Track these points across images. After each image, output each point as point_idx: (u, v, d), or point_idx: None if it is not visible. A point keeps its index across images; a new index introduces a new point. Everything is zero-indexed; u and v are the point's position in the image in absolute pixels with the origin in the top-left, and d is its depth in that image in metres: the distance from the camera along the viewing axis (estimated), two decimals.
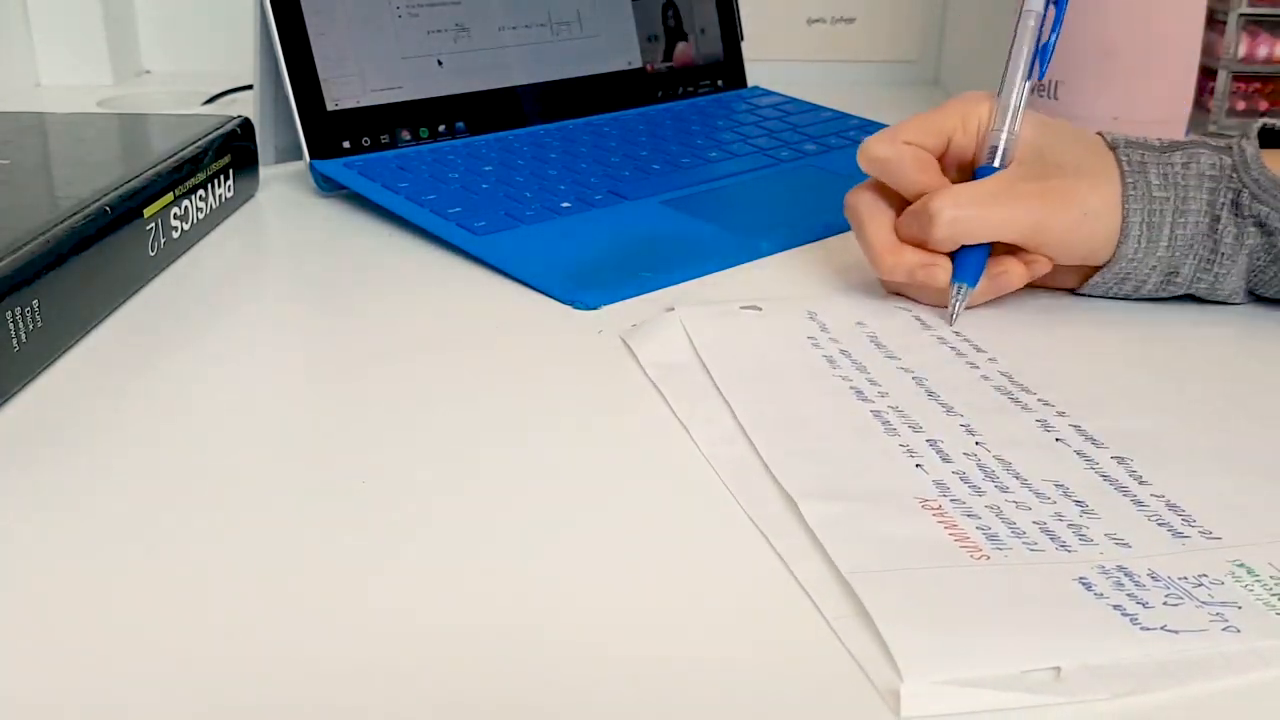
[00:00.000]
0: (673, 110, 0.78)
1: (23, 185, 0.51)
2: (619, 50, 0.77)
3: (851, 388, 0.41)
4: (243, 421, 0.40)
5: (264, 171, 0.66)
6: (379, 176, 0.62)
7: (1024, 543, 0.32)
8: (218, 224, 0.60)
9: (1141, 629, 0.28)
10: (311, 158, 0.63)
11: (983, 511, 0.34)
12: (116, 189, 0.50)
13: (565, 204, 0.60)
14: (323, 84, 0.64)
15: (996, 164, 0.47)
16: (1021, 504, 0.34)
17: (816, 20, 0.95)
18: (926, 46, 0.95)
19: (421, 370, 0.44)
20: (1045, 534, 0.32)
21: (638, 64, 0.78)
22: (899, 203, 0.49)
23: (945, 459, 0.37)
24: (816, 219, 0.59)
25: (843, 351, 0.44)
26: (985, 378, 0.42)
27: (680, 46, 0.80)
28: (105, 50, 0.93)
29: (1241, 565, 0.31)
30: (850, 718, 0.26)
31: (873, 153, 0.47)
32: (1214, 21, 0.72)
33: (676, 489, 0.36)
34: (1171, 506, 0.34)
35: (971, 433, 0.38)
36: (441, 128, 0.69)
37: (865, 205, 0.49)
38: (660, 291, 0.51)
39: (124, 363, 0.44)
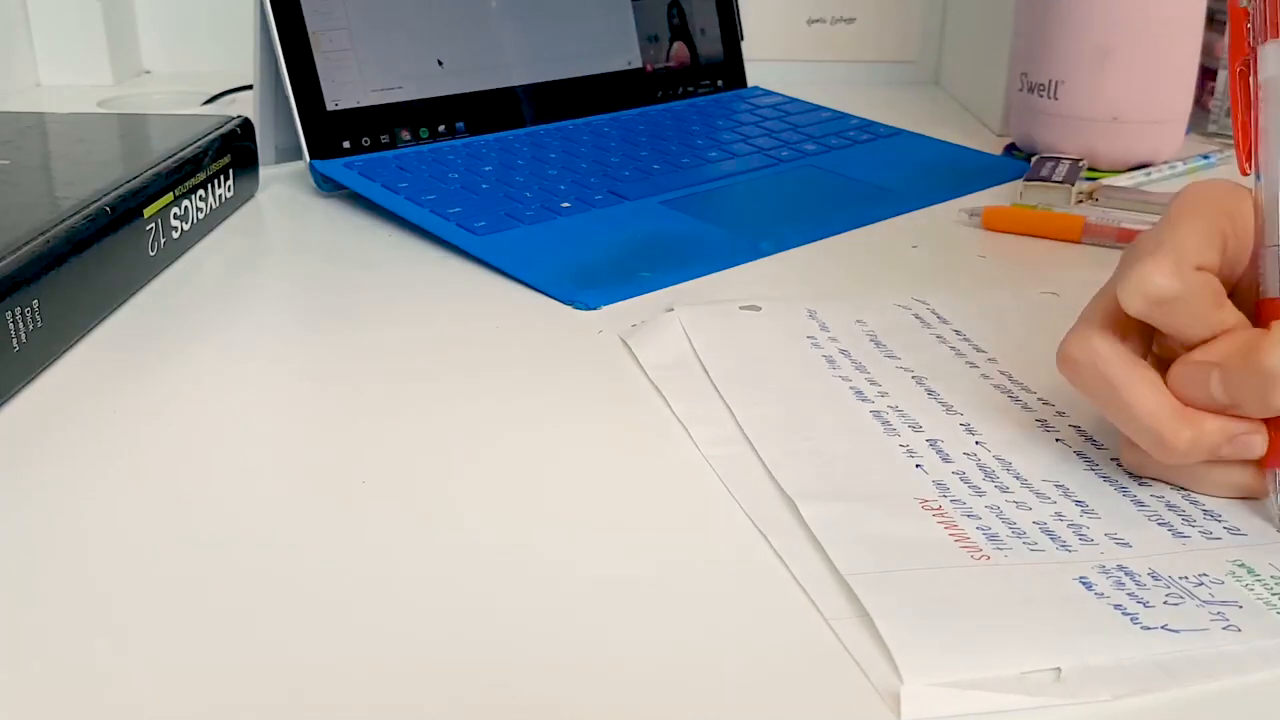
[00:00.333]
0: (673, 110, 0.78)
1: (23, 185, 0.51)
2: (619, 50, 0.77)
3: (851, 388, 0.41)
4: (242, 421, 0.40)
5: (264, 171, 0.66)
6: (379, 176, 0.62)
7: (1024, 543, 0.32)
8: (218, 224, 0.60)
9: (1142, 628, 0.28)
10: (311, 158, 0.63)
11: (983, 511, 0.34)
12: (116, 189, 0.50)
13: (565, 204, 0.60)
14: (323, 84, 0.64)
15: None
16: (1021, 504, 0.34)
17: (816, 20, 0.95)
18: (926, 46, 0.95)
19: (421, 370, 0.44)
20: (1045, 534, 0.33)
21: (638, 64, 0.78)
22: (1143, 349, 0.35)
23: (945, 459, 0.37)
24: (816, 219, 0.59)
25: (842, 351, 0.44)
26: (985, 377, 0.42)
27: (680, 46, 0.80)
28: (105, 50, 0.93)
29: (1242, 565, 0.31)
30: (850, 719, 0.26)
31: (1156, 290, 0.32)
32: (1214, 21, 0.72)
33: (675, 489, 0.36)
34: (1171, 507, 0.34)
35: (971, 433, 0.38)
36: (441, 128, 0.69)
37: (1119, 362, 0.34)
38: (660, 291, 0.51)
39: (124, 363, 0.44)
